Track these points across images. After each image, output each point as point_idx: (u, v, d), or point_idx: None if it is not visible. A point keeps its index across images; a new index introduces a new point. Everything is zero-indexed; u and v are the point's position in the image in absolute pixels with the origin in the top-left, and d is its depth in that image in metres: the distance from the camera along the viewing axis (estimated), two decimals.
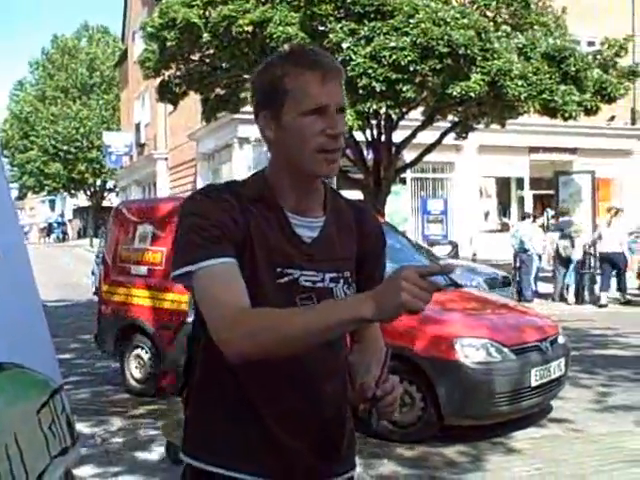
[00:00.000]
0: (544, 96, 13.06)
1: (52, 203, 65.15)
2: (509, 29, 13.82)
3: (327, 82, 1.69)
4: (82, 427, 5.69)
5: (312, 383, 1.75)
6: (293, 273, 1.73)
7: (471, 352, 5.58)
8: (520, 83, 12.72)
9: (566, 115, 13.53)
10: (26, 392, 2.12)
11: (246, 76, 14.93)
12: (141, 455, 5.39)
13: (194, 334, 1.86)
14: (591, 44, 19.61)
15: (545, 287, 15.10)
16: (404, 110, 14.15)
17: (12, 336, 2.03)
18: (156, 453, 5.38)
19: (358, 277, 1.84)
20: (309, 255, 1.75)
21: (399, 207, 20.05)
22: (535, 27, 14.36)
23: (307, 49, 1.78)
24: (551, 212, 17.13)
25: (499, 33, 13.36)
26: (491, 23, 13.44)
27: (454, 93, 12.58)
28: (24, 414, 2.07)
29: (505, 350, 5.68)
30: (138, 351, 7.34)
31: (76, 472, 2.48)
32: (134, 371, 7.37)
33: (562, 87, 13.22)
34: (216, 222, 1.66)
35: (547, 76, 13.09)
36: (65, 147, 42.77)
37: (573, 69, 13.31)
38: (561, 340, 6.32)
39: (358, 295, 1.63)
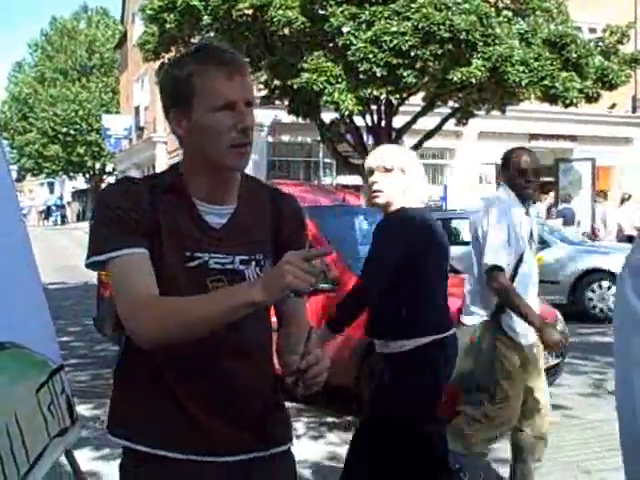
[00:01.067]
0: (545, 82, 13.04)
1: (51, 186, 65.11)
2: (511, 15, 13.78)
3: (233, 78, 1.74)
4: (81, 410, 5.70)
5: (227, 360, 1.81)
6: (202, 256, 1.80)
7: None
8: (521, 69, 12.71)
9: (567, 102, 13.51)
10: (25, 372, 2.13)
11: (245, 59, 14.87)
12: None
13: None
14: (593, 31, 19.53)
15: None
16: (404, 95, 14.12)
17: (13, 316, 2.03)
18: None
19: (276, 260, 1.86)
20: (218, 240, 1.82)
21: None
22: (537, 13, 14.31)
23: (211, 47, 1.86)
24: (550, 199, 17.11)
25: (501, 19, 13.31)
26: (493, 8, 13.39)
27: (455, 79, 12.56)
28: (24, 394, 2.08)
29: None
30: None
31: (75, 454, 2.49)
32: None
33: (563, 74, 13.19)
34: (125, 213, 1.74)
35: (548, 62, 13.07)
36: (64, 129, 42.66)
37: (574, 56, 13.29)
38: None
39: (251, 281, 1.79)
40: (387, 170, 3.47)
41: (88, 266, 1.81)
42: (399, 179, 3.47)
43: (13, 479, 1.91)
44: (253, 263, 1.87)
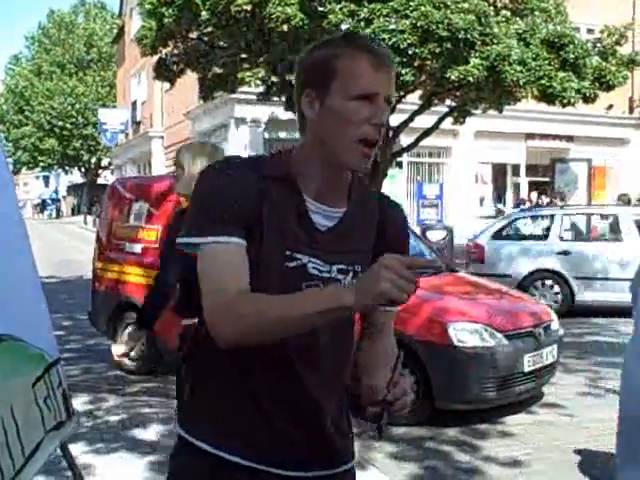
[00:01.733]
0: (542, 82, 13.05)
1: (46, 179, 64.95)
2: (509, 14, 13.78)
3: (380, 69, 1.62)
4: (75, 404, 5.67)
5: (307, 372, 1.70)
6: (302, 258, 1.67)
7: (464, 336, 5.59)
8: (519, 68, 12.71)
9: (564, 102, 13.51)
10: (22, 365, 2.12)
11: (244, 56, 14.86)
12: (136, 433, 5.40)
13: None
14: (591, 32, 19.55)
15: None
16: (402, 94, 14.11)
17: (10, 309, 2.02)
18: (151, 431, 5.39)
19: None
20: (320, 243, 1.69)
21: (394, 191, 20.04)
22: (535, 13, 14.31)
23: (363, 35, 1.74)
24: (546, 199, 17.16)
25: (499, 18, 13.31)
26: (491, 8, 13.38)
27: (452, 77, 12.56)
28: (20, 387, 2.07)
29: (499, 335, 5.69)
30: (131, 329, 7.33)
31: (70, 448, 2.48)
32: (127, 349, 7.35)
33: (561, 74, 13.20)
34: (228, 201, 1.62)
35: (546, 62, 13.08)
36: (60, 123, 42.56)
37: (572, 56, 13.29)
38: (554, 326, 6.35)
39: (343, 284, 1.66)
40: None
41: (179, 244, 1.68)
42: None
43: (9, 472, 1.90)
44: (351, 274, 1.73)
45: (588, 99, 13.95)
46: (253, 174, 1.67)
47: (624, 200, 15.11)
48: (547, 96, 13.49)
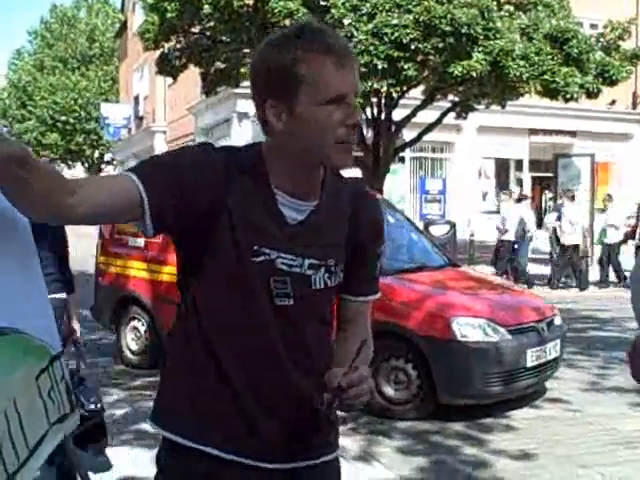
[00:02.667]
0: (546, 77, 13.05)
1: None
2: (512, 9, 13.77)
3: (344, 68, 1.57)
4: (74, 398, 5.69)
5: (287, 362, 1.69)
6: (270, 253, 1.64)
7: (468, 331, 5.59)
8: (522, 63, 12.70)
9: (567, 97, 13.51)
10: (25, 358, 2.12)
11: (246, 50, 14.83)
12: (140, 427, 5.40)
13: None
14: (594, 26, 19.50)
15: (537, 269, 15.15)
16: (405, 88, 14.09)
17: (13, 302, 2.02)
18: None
19: (349, 266, 1.77)
20: (290, 237, 1.65)
21: (397, 186, 20.04)
22: (539, 8, 14.29)
23: (317, 29, 1.62)
24: (549, 194, 17.11)
25: (502, 13, 13.31)
26: (494, 2, 13.35)
27: (455, 72, 12.54)
28: (23, 380, 2.06)
29: (502, 330, 5.69)
30: (135, 323, 7.35)
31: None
32: (130, 343, 7.38)
33: (564, 69, 13.19)
34: (186, 177, 1.56)
35: (549, 57, 13.07)
36: (63, 118, 42.49)
37: (575, 51, 13.28)
38: (557, 321, 6.34)
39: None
40: None
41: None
42: None
43: (12, 465, 1.89)
44: (323, 269, 1.70)
45: (591, 94, 13.94)
46: (222, 163, 1.62)
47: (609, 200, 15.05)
48: (550, 91, 13.48)
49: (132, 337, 7.37)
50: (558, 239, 14.00)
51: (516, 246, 14.22)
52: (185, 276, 1.71)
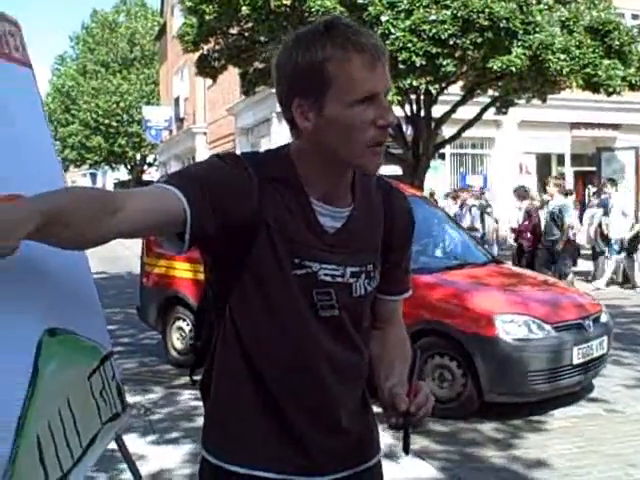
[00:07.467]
0: (587, 70, 12.84)
1: (93, 177, 65.81)
2: (552, 2, 13.55)
3: (374, 66, 1.51)
4: (127, 397, 5.79)
5: (327, 372, 1.65)
6: (312, 266, 1.59)
7: (512, 328, 5.55)
8: (562, 57, 12.51)
9: (610, 90, 13.28)
10: (77, 358, 2.16)
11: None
12: (184, 425, 5.48)
13: (204, 308, 1.81)
14: (636, 17, 19.20)
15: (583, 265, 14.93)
16: (443, 85, 14.01)
17: (65, 303, 2.07)
18: (198, 423, 5.46)
19: (383, 266, 1.74)
20: (331, 246, 1.61)
21: (438, 183, 19.91)
22: (578, 0, 14.07)
23: (345, 25, 1.54)
24: (593, 189, 16.85)
25: (541, 6, 13.11)
26: None
27: (495, 67, 12.41)
28: (75, 380, 2.11)
29: (547, 327, 5.64)
30: (180, 323, 7.44)
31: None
32: (176, 342, 7.47)
33: (606, 61, 12.97)
34: (221, 187, 1.50)
35: (590, 50, 12.85)
36: (106, 121, 43.11)
37: (617, 43, 13.04)
38: (604, 318, 6.25)
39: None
40: None
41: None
42: None
43: (66, 463, 1.93)
44: (363, 275, 1.67)
45: (634, 86, 13.68)
46: (257, 175, 1.55)
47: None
48: (592, 84, 13.26)
49: (177, 337, 7.46)
50: (604, 234, 13.66)
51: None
52: (222, 292, 1.65)
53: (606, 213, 13.60)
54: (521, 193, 13.24)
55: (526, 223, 12.33)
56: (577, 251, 11.66)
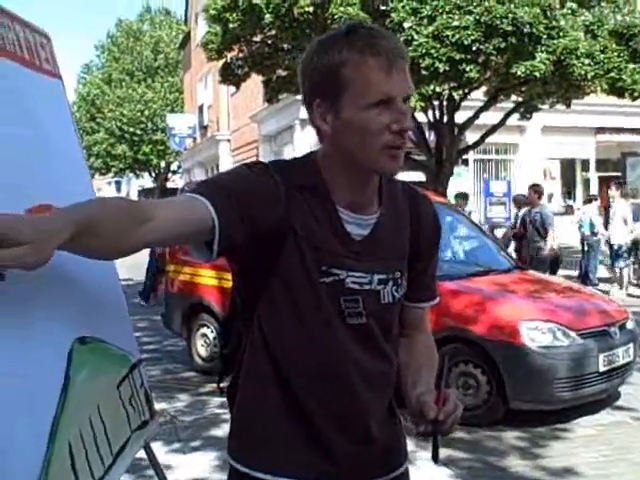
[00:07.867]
0: (612, 75, 12.75)
1: (118, 184, 66.32)
2: (575, 6, 13.47)
3: (392, 70, 1.51)
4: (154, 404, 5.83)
5: (361, 380, 1.65)
6: (339, 274, 1.60)
7: (537, 335, 5.53)
8: (587, 62, 12.43)
9: (635, 95, 13.18)
10: (107, 366, 2.19)
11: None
12: (209, 432, 5.51)
13: (232, 316, 1.85)
14: None
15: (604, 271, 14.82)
16: (467, 91, 13.98)
17: (94, 311, 2.10)
18: (223, 430, 5.49)
19: (410, 273, 1.74)
20: (357, 254, 1.62)
21: (461, 189, 19.81)
22: (602, 4, 13.96)
23: (366, 29, 1.56)
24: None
25: (565, 10, 13.04)
26: (557, 0, 13.13)
27: (518, 73, 12.37)
28: (106, 387, 2.14)
29: (572, 334, 5.61)
30: (204, 330, 7.48)
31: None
32: (200, 349, 7.51)
33: (631, 66, 12.88)
34: (249, 195, 1.51)
35: (615, 54, 12.77)
36: (131, 129, 43.40)
37: None
38: (630, 325, 6.21)
39: None
40: None
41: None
42: None
43: (98, 470, 1.96)
44: (390, 282, 1.68)
45: None
46: (284, 183, 1.57)
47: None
48: (616, 89, 13.17)
49: (201, 344, 7.50)
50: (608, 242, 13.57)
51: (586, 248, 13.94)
52: (250, 300, 1.66)
53: (634, 219, 13.49)
54: (520, 200, 13.13)
55: (522, 230, 12.24)
56: (557, 259, 11.51)
